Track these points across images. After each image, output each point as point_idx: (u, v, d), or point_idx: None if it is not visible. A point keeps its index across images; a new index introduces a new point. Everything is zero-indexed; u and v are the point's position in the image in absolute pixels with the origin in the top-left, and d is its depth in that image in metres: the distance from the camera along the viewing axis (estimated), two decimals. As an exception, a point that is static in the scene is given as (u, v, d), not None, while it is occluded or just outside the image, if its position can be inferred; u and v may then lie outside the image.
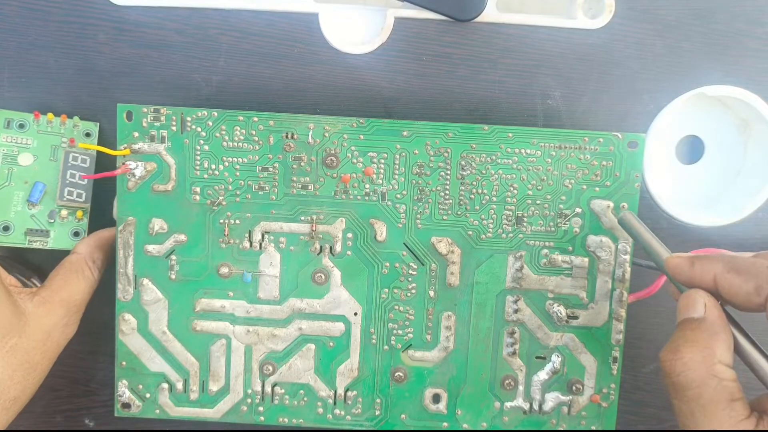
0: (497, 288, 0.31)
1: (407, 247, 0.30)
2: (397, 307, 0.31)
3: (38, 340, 0.28)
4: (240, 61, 0.32)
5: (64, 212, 0.31)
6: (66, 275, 0.30)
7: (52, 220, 0.31)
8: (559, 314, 0.30)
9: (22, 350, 0.28)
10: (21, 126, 0.31)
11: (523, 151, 0.30)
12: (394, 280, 0.31)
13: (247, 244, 0.30)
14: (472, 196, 0.30)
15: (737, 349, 0.24)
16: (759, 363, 0.24)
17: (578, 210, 0.30)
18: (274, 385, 0.31)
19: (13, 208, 0.30)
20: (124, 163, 0.30)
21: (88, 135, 0.31)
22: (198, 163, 0.30)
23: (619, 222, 0.29)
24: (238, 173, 0.30)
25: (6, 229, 0.30)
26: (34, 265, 0.32)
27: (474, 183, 0.30)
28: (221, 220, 0.30)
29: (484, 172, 0.30)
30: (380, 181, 0.30)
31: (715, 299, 0.25)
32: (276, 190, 0.30)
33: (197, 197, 0.30)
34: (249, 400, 0.31)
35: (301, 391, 0.31)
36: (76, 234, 0.31)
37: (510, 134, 0.30)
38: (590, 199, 0.30)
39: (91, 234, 0.31)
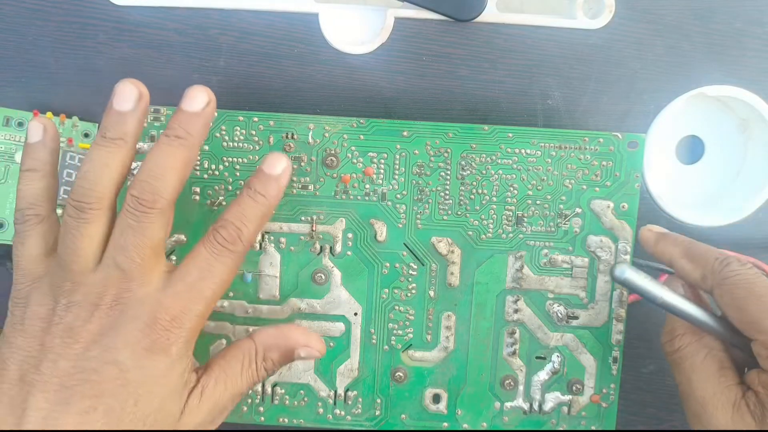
0: (497, 288, 0.31)
1: (407, 247, 0.30)
2: (397, 307, 0.31)
3: None
4: (240, 61, 0.32)
5: (59, 211, 0.31)
6: (233, 361, 0.26)
7: None
8: (559, 314, 0.30)
9: None
10: (20, 124, 0.30)
11: (523, 151, 0.30)
12: (394, 280, 0.31)
13: (247, 244, 0.30)
14: (472, 196, 0.30)
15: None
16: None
17: (578, 210, 0.30)
18: (274, 385, 0.31)
19: (9, 206, 0.30)
20: (124, 163, 0.30)
21: (86, 135, 0.31)
22: (198, 163, 0.30)
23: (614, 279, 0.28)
24: (238, 173, 0.30)
25: (0, 226, 0.30)
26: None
27: (474, 183, 0.30)
28: (221, 220, 0.30)
29: (484, 172, 0.30)
30: (380, 181, 0.30)
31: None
32: (276, 190, 0.30)
33: (197, 197, 0.30)
34: (249, 400, 0.31)
35: (301, 391, 0.31)
36: None
37: (510, 134, 0.30)
38: (590, 199, 0.30)
39: (274, 327, 0.28)
